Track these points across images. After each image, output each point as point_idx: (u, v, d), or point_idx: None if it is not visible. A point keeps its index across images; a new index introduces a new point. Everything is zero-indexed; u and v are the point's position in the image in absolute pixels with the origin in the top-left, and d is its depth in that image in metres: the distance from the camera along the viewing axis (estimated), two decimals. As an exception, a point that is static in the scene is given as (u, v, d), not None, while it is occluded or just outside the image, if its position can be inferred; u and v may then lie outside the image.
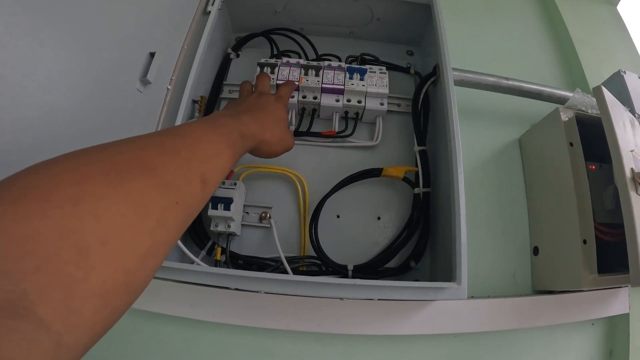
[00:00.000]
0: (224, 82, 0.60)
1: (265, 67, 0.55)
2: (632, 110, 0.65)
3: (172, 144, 0.24)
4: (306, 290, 0.42)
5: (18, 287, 0.14)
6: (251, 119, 0.36)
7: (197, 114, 0.54)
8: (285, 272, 0.49)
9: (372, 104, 0.55)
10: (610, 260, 0.56)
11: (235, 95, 0.60)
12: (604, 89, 0.55)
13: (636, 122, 0.62)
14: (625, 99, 0.66)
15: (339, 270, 0.49)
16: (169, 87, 0.51)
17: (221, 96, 0.60)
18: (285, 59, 0.57)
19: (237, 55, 0.63)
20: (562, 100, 0.63)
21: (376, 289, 0.42)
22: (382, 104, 0.55)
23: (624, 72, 0.67)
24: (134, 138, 0.23)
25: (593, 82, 0.71)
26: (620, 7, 0.82)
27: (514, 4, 0.81)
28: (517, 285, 0.59)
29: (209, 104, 0.57)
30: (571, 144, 0.58)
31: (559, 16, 0.77)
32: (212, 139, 0.28)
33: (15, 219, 0.15)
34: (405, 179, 0.53)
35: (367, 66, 0.57)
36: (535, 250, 0.60)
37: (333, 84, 0.54)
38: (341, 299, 0.48)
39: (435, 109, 0.57)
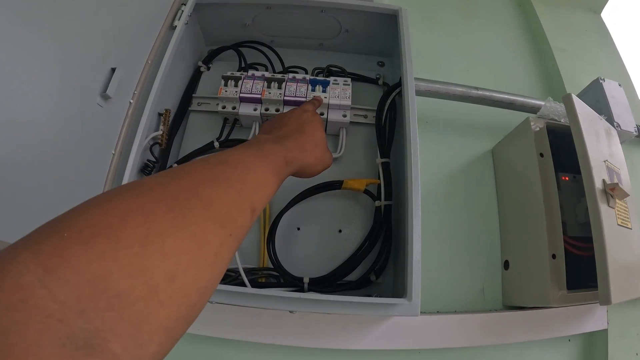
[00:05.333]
0: (194, 95, 0.61)
1: (230, 80, 0.56)
2: (610, 119, 0.63)
3: (224, 175, 0.25)
4: (254, 302, 0.41)
5: (92, 324, 0.14)
6: (294, 144, 0.37)
7: (161, 127, 0.54)
8: (243, 282, 0.49)
9: (334, 116, 0.55)
10: (583, 275, 0.54)
11: (204, 107, 0.61)
12: (574, 97, 0.53)
13: (613, 131, 0.60)
14: (604, 107, 0.64)
15: (295, 283, 0.49)
16: (132, 101, 0.52)
17: (190, 108, 0.60)
18: (251, 72, 0.57)
19: (208, 68, 0.64)
20: (536, 110, 0.62)
21: (325, 304, 0.41)
22: (344, 116, 0.55)
23: (603, 79, 0.65)
24: (187, 169, 0.24)
25: (572, 91, 0.69)
26: (604, 15, 0.80)
27: (493, 14, 0.80)
28: (486, 300, 0.57)
29: (178, 116, 0.58)
30: (541, 155, 0.56)
31: (539, 25, 0.75)
32: (261, 167, 0.29)
33: (89, 259, 0.15)
34: (366, 192, 0.53)
35: (332, 78, 0.57)
36: (506, 265, 0.58)
37: (295, 96, 0.54)
38: (291, 312, 0.47)
39: (400, 121, 0.56)
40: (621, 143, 0.65)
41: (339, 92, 0.55)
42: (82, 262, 0.15)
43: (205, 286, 0.20)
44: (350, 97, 0.55)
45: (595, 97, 0.65)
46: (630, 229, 0.55)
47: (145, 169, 0.52)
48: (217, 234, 0.21)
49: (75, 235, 0.16)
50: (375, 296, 0.50)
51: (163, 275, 0.17)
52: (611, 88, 0.65)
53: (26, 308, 0.13)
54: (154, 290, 0.17)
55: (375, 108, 0.59)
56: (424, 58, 0.69)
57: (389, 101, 0.56)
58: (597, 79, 0.65)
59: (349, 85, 0.56)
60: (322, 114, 0.55)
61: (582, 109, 0.54)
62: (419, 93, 0.60)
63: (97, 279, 0.15)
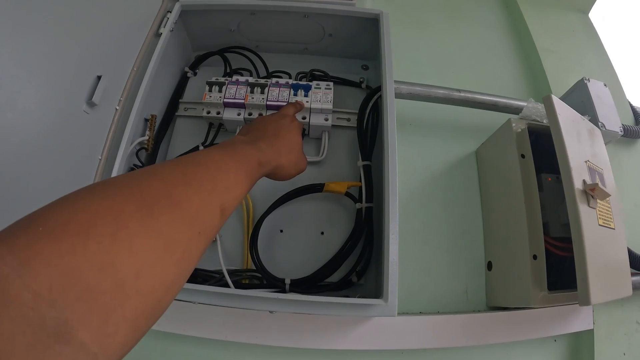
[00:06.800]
0: (180, 100, 0.62)
1: (214, 86, 0.57)
2: (595, 119, 0.63)
3: (195, 176, 0.25)
4: (235, 303, 0.42)
5: (62, 314, 0.15)
6: (268, 146, 0.37)
7: (147, 132, 0.56)
8: (227, 284, 0.50)
9: (316, 120, 0.56)
10: (565, 275, 0.54)
11: (191, 112, 0.62)
12: (554, 98, 0.53)
13: (597, 131, 0.60)
14: (588, 107, 0.64)
15: (278, 284, 0.50)
16: (117, 107, 0.54)
17: (177, 113, 0.62)
18: (235, 77, 0.59)
19: (195, 74, 0.66)
20: (520, 111, 0.62)
21: (303, 304, 0.42)
22: (326, 120, 0.56)
23: (588, 79, 0.65)
24: (159, 169, 0.25)
25: (558, 92, 0.69)
26: (592, 15, 0.80)
27: (479, 15, 0.80)
28: (469, 301, 0.57)
29: (165, 121, 0.60)
30: (523, 156, 0.56)
31: (525, 26, 0.75)
32: (232, 167, 0.30)
33: (60, 253, 0.16)
34: (347, 194, 0.53)
35: (314, 82, 0.58)
36: (489, 266, 0.59)
37: (278, 100, 0.55)
38: (271, 312, 0.48)
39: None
40: (607, 143, 0.65)
41: (321, 96, 0.56)
42: (55, 255, 0.16)
43: (172, 282, 0.21)
44: (332, 101, 0.56)
45: (580, 97, 0.65)
46: (613, 229, 0.55)
47: (132, 174, 0.53)
48: (185, 232, 0.22)
49: (49, 231, 0.17)
50: (358, 297, 0.51)
51: (130, 270, 0.18)
52: (596, 88, 0.65)
53: (1, 297, 0.14)
54: (120, 285, 0.18)
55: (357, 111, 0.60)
56: (410, 61, 0.70)
57: (370, 104, 0.57)
58: (582, 79, 0.65)
59: (330, 89, 0.57)
60: (304, 117, 0.56)
61: (562, 110, 0.54)
62: (401, 96, 0.60)
63: (68, 271, 0.16)
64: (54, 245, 0.16)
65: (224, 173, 0.28)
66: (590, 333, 0.58)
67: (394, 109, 0.50)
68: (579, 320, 0.58)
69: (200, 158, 0.28)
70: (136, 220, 0.20)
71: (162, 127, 0.59)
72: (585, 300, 0.46)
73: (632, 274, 0.59)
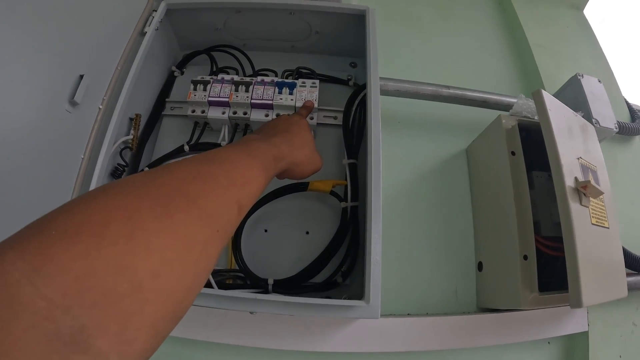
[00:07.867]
0: (167, 100, 0.62)
1: (199, 84, 0.57)
2: (588, 115, 0.62)
3: (210, 172, 0.25)
4: (216, 303, 0.41)
5: (78, 321, 0.14)
6: (282, 141, 0.37)
7: (132, 131, 0.55)
8: (209, 284, 0.49)
9: (301, 118, 0.55)
10: (558, 276, 0.52)
11: (177, 111, 0.61)
12: (544, 93, 0.52)
13: (590, 128, 0.59)
14: (582, 103, 0.63)
15: (261, 285, 0.49)
16: (101, 106, 0.53)
17: (163, 113, 0.61)
18: (220, 76, 0.58)
19: (182, 73, 0.65)
20: (510, 108, 0.61)
21: (283, 305, 0.41)
22: (311, 118, 0.55)
23: (581, 75, 0.64)
24: (172, 167, 0.24)
25: (551, 88, 0.68)
26: (587, 11, 0.78)
27: (470, 11, 0.79)
28: (459, 302, 0.56)
29: (151, 120, 0.59)
30: (513, 153, 0.55)
31: (517, 22, 0.74)
32: (247, 163, 0.29)
33: (73, 257, 0.15)
34: (333, 193, 0.53)
35: (300, 80, 0.57)
36: (480, 266, 0.57)
37: (262, 99, 0.55)
38: (251, 312, 0.47)
39: (369, 121, 0.56)
40: (601, 140, 0.63)
41: (306, 95, 0.55)
42: (68, 259, 0.15)
43: (192, 283, 0.20)
44: (317, 99, 0.55)
45: (574, 93, 0.64)
46: (607, 228, 0.53)
47: (115, 173, 0.53)
48: (202, 230, 0.21)
49: (61, 234, 0.16)
50: (344, 298, 0.50)
51: (148, 272, 0.17)
52: (590, 84, 0.63)
53: (13, 305, 0.13)
54: (139, 287, 0.17)
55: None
56: (400, 58, 0.69)
57: (356, 102, 0.56)
58: (576, 75, 0.64)
59: (316, 87, 0.56)
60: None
61: (553, 105, 0.53)
62: (388, 93, 0.59)
63: (83, 276, 0.15)
64: (67, 249, 0.15)
65: (239, 169, 0.28)
66: (584, 335, 0.57)
67: (378, 106, 0.49)
68: (573, 322, 0.57)
69: (215, 155, 0.28)
70: (152, 219, 0.19)
71: (148, 126, 0.59)
72: (576, 303, 0.45)
73: (628, 274, 0.58)
